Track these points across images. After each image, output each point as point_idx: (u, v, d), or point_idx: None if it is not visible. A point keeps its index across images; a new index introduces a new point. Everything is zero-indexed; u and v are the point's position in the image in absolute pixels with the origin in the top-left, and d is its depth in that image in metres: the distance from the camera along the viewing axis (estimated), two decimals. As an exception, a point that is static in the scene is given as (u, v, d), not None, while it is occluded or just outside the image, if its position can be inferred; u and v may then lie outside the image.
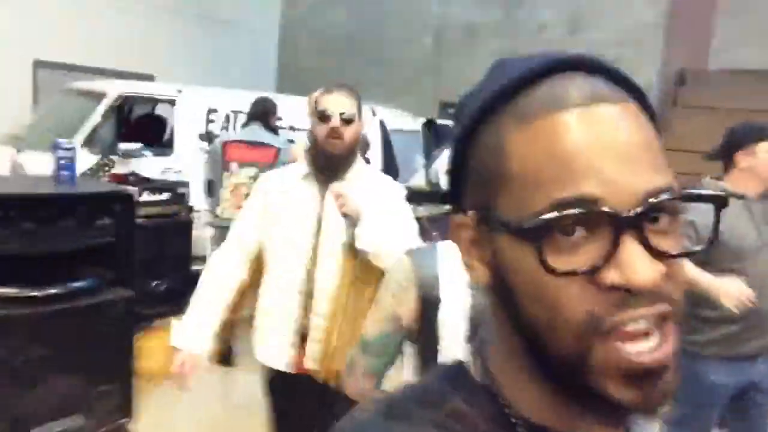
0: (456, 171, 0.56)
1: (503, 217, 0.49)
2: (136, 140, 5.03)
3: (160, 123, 6.22)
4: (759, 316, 2.43)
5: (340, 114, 1.89)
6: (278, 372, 2.02)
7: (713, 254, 2.44)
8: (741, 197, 2.50)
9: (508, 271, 0.50)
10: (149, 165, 5.18)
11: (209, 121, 5.51)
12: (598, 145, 0.47)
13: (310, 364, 1.98)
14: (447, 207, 6.27)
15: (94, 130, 5.05)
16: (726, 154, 2.57)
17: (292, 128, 5.97)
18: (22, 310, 1.82)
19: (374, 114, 6.69)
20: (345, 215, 1.89)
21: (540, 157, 0.48)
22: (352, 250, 1.91)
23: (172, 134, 5.71)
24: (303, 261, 1.95)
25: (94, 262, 2.02)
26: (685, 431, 2.51)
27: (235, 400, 3.95)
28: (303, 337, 1.98)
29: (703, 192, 0.51)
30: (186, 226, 5.10)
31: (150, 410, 2.39)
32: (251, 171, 4.06)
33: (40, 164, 4.44)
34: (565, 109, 0.48)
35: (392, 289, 1.42)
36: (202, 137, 5.42)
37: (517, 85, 0.51)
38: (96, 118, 5.06)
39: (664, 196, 0.47)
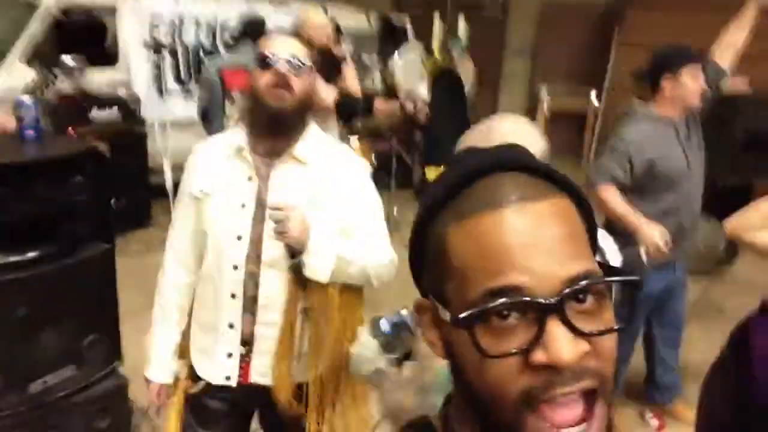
0: (416, 257, 0.64)
1: (446, 307, 0.57)
2: (75, 51, 4.78)
3: (98, 30, 5.86)
4: (681, 229, 2.62)
5: (289, 60, 1.55)
6: (217, 387, 1.69)
7: (647, 183, 2.59)
8: (669, 123, 2.60)
9: (455, 351, 0.58)
10: (94, 78, 4.97)
11: (154, 27, 5.24)
12: (523, 240, 0.54)
13: (257, 378, 1.68)
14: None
15: (32, 43, 4.75)
16: (652, 78, 2.61)
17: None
18: (3, 276, 1.84)
19: (326, 12, 6.44)
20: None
21: (474, 252, 0.55)
22: (300, 277, 1.58)
23: (114, 43, 5.42)
24: (241, 260, 1.60)
25: (71, 219, 2.02)
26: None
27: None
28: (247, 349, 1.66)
29: (620, 278, 0.57)
30: (140, 141, 5.01)
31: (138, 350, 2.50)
32: None
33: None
34: (495, 208, 0.55)
35: None
36: (147, 45, 5.18)
37: (457, 186, 0.59)
38: (33, 30, 4.74)
39: (582, 283, 0.53)
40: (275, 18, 5.99)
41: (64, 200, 1.94)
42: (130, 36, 5.15)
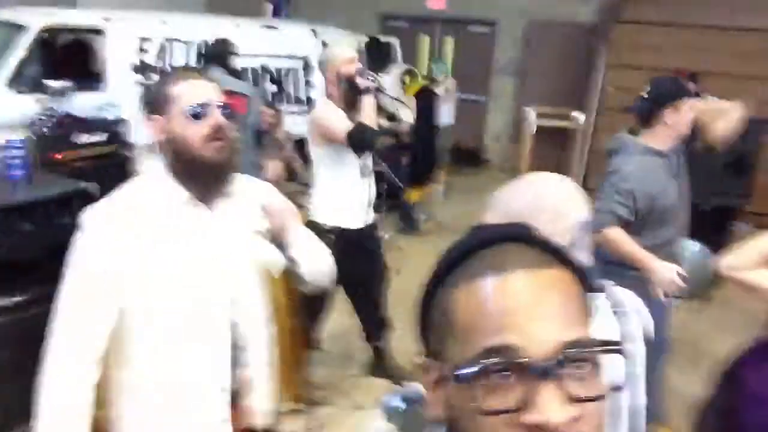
0: (423, 317, 0.68)
1: (448, 365, 0.60)
2: (62, 74, 4.75)
3: (85, 52, 5.83)
4: (674, 259, 2.60)
5: (221, 106, 1.45)
6: None
7: (646, 218, 2.59)
8: (664, 155, 2.60)
9: (455, 408, 0.61)
10: (82, 102, 4.93)
11: (142, 51, 5.22)
12: (524, 303, 0.58)
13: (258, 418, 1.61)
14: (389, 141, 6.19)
15: (19, 67, 4.71)
16: (651, 109, 2.61)
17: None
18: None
19: (316, 35, 6.47)
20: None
21: (476, 311, 0.59)
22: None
23: (102, 66, 5.38)
24: (215, 312, 1.49)
25: (58, 259, 1.99)
26: None
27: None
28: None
29: (612, 348, 0.59)
30: (126, 165, 4.96)
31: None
32: None
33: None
34: (500, 273, 0.60)
35: None
36: (136, 69, 5.16)
37: (467, 252, 0.64)
38: (19, 53, 4.70)
39: (576, 350, 0.56)
40: (264, 37, 6.01)
41: (52, 241, 1.91)
42: (118, 59, 5.11)
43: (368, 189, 3.12)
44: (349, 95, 2.94)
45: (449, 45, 9.24)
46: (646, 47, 7.15)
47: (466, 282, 0.61)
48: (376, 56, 7.34)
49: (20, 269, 1.87)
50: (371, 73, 3.11)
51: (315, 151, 3.05)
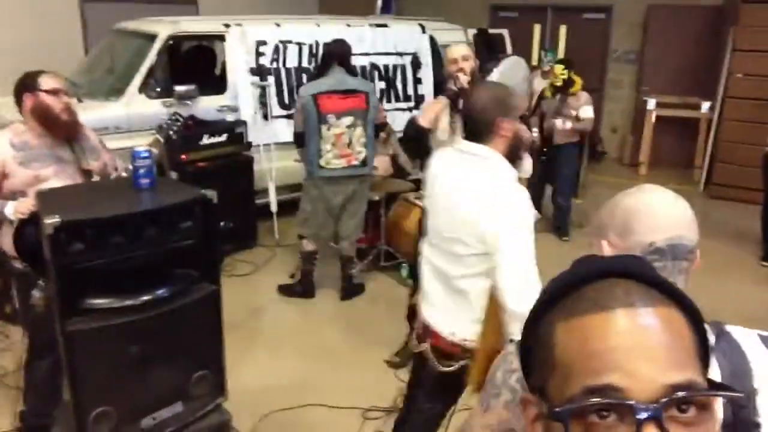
0: (526, 352, 0.66)
1: (548, 401, 0.59)
2: (186, 79, 5.05)
3: (208, 56, 6.17)
4: None
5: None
6: None
7: None
8: None
9: None
10: (204, 104, 5.23)
11: (259, 54, 5.45)
12: (628, 343, 0.55)
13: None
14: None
15: (149, 74, 5.07)
16: None
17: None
18: (119, 319, 1.96)
19: (424, 31, 6.46)
20: None
21: (578, 349, 0.57)
22: None
23: (223, 70, 5.68)
24: None
25: (181, 262, 2.13)
26: None
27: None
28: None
29: (724, 393, 0.57)
30: (246, 164, 5.21)
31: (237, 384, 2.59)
32: (348, 120, 4.12)
33: (97, 112, 4.55)
34: (603, 310, 0.58)
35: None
36: (253, 71, 5.40)
37: (571, 286, 0.62)
38: (149, 60, 5.06)
39: (683, 393, 0.53)
40: (374, 35, 6.08)
41: (175, 245, 2.05)
42: (237, 63, 5.37)
43: None
44: (451, 93, 3.17)
45: (562, 33, 8.90)
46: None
47: (568, 318, 0.60)
48: (486, 48, 7.24)
49: (146, 271, 2.02)
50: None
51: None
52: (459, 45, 3.38)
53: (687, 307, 0.61)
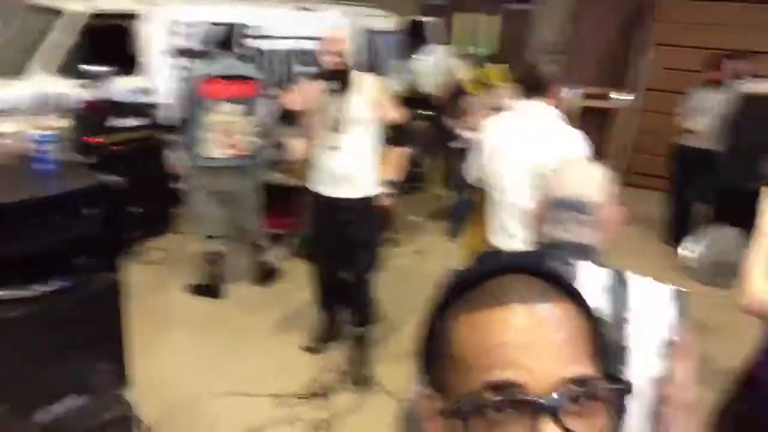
0: (424, 348, 0.67)
1: (446, 396, 0.60)
2: (100, 58, 4.85)
3: (124, 36, 5.93)
4: None
5: None
6: None
7: None
8: None
9: None
10: (118, 85, 5.04)
11: (176, 35, 5.29)
12: (525, 338, 0.57)
13: None
14: (430, 112, 6.14)
15: (58, 52, 4.83)
16: None
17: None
18: (13, 312, 1.90)
19: (349, 16, 6.43)
20: None
21: (477, 344, 0.59)
22: None
23: (136, 50, 5.48)
24: None
25: (82, 250, 2.07)
26: None
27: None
28: None
29: (617, 386, 0.59)
30: (160, 148, 5.07)
31: (145, 372, 2.55)
32: (234, 107, 3.91)
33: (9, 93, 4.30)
34: (501, 305, 0.59)
35: None
36: (170, 53, 5.24)
37: (470, 282, 0.63)
38: (58, 38, 4.83)
39: (577, 387, 0.55)
40: (297, 19, 6.01)
41: (77, 233, 1.99)
42: (153, 44, 5.20)
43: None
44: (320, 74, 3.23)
45: (490, 24, 9.06)
46: (695, 24, 6.90)
47: (467, 313, 0.61)
48: (415, 39, 7.29)
49: (44, 260, 1.96)
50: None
51: None
52: (336, 29, 3.35)
53: (582, 302, 0.63)
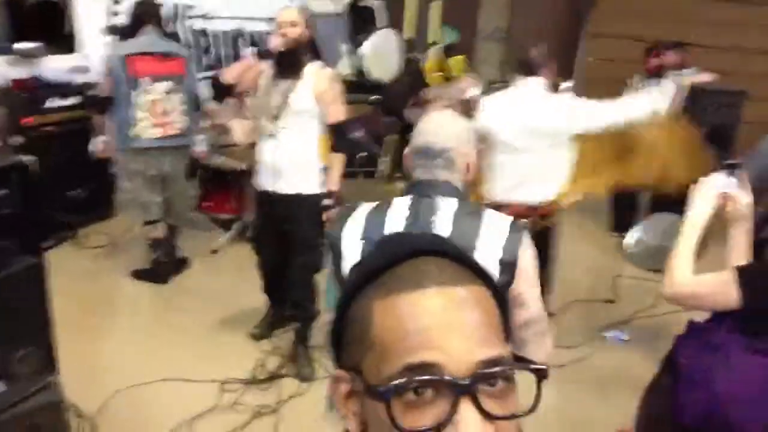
0: (339, 329, 0.67)
1: (364, 379, 0.60)
2: (32, 34, 4.62)
3: (57, 13, 5.67)
4: None
5: None
6: None
7: None
8: None
9: (370, 424, 0.61)
10: (52, 64, 4.83)
11: (113, 14, 5.09)
12: (442, 321, 0.58)
13: None
14: (374, 97, 6.10)
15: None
16: None
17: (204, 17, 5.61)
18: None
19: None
20: None
21: (395, 327, 0.59)
22: None
23: (73, 27, 5.25)
24: None
25: (-1, 233, 1.97)
26: None
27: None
28: None
29: (531, 366, 0.60)
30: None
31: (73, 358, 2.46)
32: (165, 85, 3.78)
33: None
34: (417, 288, 0.59)
35: None
36: (107, 31, 5.04)
37: (385, 265, 0.63)
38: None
39: (496, 368, 0.57)
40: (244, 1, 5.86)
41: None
42: (88, 21, 4.99)
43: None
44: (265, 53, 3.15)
45: (435, 9, 9.05)
46: (631, 15, 7.04)
47: (383, 296, 0.61)
48: (359, 23, 7.21)
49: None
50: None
51: None
52: (289, 10, 3.12)
53: (491, 284, 0.65)
